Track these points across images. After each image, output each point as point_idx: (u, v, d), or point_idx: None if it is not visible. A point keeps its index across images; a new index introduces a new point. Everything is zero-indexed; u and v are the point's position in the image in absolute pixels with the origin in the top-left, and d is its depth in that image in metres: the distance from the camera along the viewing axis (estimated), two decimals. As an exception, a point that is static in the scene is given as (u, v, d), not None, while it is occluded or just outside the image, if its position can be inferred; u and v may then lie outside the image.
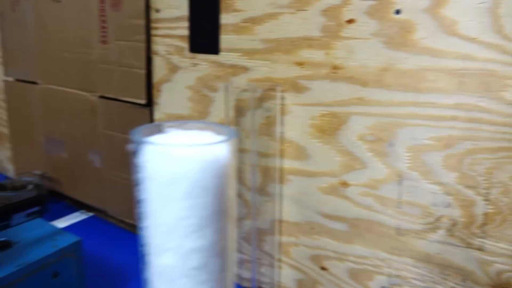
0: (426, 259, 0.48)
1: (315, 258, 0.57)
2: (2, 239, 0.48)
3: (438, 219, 0.46)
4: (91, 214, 0.90)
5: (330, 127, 0.51)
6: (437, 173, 0.45)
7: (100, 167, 0.82)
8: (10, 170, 1.10)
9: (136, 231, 0.83)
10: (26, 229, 0.51)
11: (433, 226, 0.46)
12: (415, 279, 0.49)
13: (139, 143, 0.19)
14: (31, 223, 0.53)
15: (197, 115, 0.65)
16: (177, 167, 0.18)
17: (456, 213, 0.45)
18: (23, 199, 0.42)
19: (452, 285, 0.47)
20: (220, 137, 0.20)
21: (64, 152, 0.89)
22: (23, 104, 0.95)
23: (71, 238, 0.50)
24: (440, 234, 0.46)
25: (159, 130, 0.22)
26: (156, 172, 0.19)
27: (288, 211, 0.58)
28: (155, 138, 0.21)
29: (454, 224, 0.45)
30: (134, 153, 0.19)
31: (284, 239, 0.59)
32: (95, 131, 0.80)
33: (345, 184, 0.52)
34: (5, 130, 1.07)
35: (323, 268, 0.57)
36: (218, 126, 0.22)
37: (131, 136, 0.19)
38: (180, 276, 0.20)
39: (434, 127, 0.44)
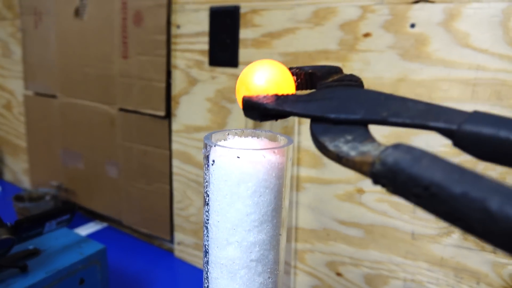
0: (441, 263, 0.49)
1: (331, 264, 0.59)
2: (31, 247, 0.50)
3: (452, 223, 0.48)
4: (105, 224, 0.92)
5: (346, 136, 0.53)
6: (451, 179, 0.47)
7: (117, 178, 0.84)
8: (25, 182, 1.12)
9: (151, 241, 0.84)
10: (53, 238, 0.53)
11: (448, 230, 0.48)
12: (430, 282, 0.50)
13: (212, 146, 0.22)
14: (57, 232, 0.55)
15: (215, 126, 0.67)
16: (247, 169, 0.21)
17: (470, 217, 0.46)
18: (56, 207, 0.44)
19: (467, 288, 0.48)
20: (281, 143, 0.23)
21: (81, 163, 0.91)
22: (42, 117, 0.98)
23: (97, 246, 0.51)
24: (454, 238, 0.48)
25: (224, 137, 0.25)
26: (227, 173, 0.21)
27: (304, 218, 0.60)
28: (224, 143, 0.24)
29: (468, 228, 0.47)
30: (206, 157, 0.22)
31: (300, 246, 0.61)
32: (113, 143, 0.83)
33: (361, 191, 0.54)
34: (22, 143, 1.10)
35: (338, 274, 0.58)
36: (270, 134, 0.24)
37: (204, 141, 0.22)
38: (240, 267, 0.23)
39: (447, 134, 0.46)
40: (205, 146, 0.22)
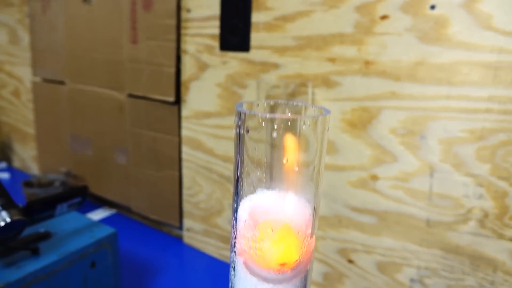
0: (456, 250, 0.49)
1: (343, 251, 0.58)
2: (42, 230, 0.49)
3: (469, 210, 0.47)
4: (114, 211, 0.92)
5: (361, 122, 0.52)
6: (469, 165, 0.46)
7: (126, 164, 0.84)
8: (33, 169, 1.12)
9: (160, 227, 0.84)
10: (64, 221, 0.53)
11: (464, 218, 0.47)
12: (444, 270, 0.50)
13: (246, 114, 0.21)
14: (68, 216, 0.54)
15: (225, 112, 0.66)
16: (278, 138, 0.20)
17: (488, 204, 0.45)
18: (67, 190, 0.43)
19: (482, 275, 0.47)
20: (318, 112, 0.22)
21: (90, 150, 0.91)
22: (50, 104, 0.98)
23: (108, 230, 0.51)
24: (471, 225, 0.47)
25: (255, 107, 0.24)
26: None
27: (316, 205, 0.59)
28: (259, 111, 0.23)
29: (485, 215, 0.46)
30: (238, 126, 0.21)
31: (311, 233, 0.60)
32: (122, 129, 0.82)
33: (375, 178, 0.53)
34: (31, 130, 1.10)
35: (350, 261, 0.58)
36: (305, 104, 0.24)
37: (237, 109, 0.21)
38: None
39: (467, 119, 0.45)
40: (239, 114, 0.21)
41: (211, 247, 0.75)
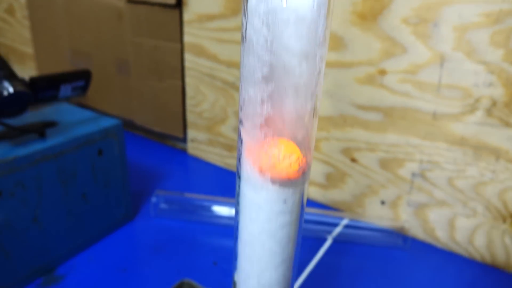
0: (461, 142, 0.49)
1: (346, 151, 0.59)
2: (47, 120, 0.49)
3: (477, 100, 0.46)
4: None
5: (371, 13, 0.50)
6: (482, 52, 0.45)
7: (127, 77, 0.82)
8: (34, 89, 1.11)
9: (164, 141, 0.85)
10: (69, 113, 0.53)
11: (472, 108, 0.47)
12: (447, 162, 0.50)
13: None
14: (73, 109, 0.54)
15: (229, 13, 0.64)
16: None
17: (498, 92, 0.45)
18: (70, 71, 0.43)
19: (484, 165, 0.48)
20: None
21: (90, 64, 0.89)
22: (47, 18, 0.94)
23: (113, 121, 0.51)
24: (478, 115, 0.47)
25: None
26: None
27: (321, 106, 0.59)
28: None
29: (494, 103, 0.46)
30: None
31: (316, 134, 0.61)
32: (122, 39, 0.80)
33: (383, 72, 0.52)
34: (29, 50, 1.07)
35: (353, 160, 0.58)
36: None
37: None
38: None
39: (484, 2, 0.43)
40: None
41: (215, 156, 0.76)
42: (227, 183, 0.71)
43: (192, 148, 0.79)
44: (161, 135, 0.85)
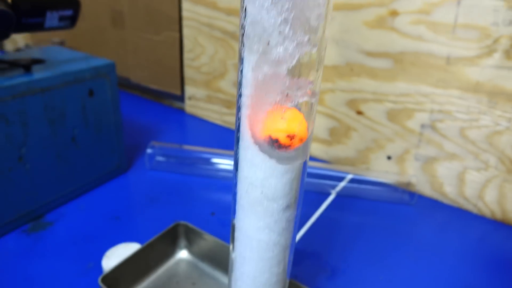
0: (475, 88, 0.46)
1: (351, 103, 0.56)
2: (35, 57, 0.46)
3: (496, 40, 0.43)
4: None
5: None
6: (503, -15, 0.41)
7: (122, 30, 0.78)
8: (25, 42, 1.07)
9: (161, 100, 0.82)
10: (57, 52, 0.50)
11: (489, 50, 0.44)
12: (459, 111, 0.48)
13: None
14: (63, 50, 0.51)
15: (230, -45, 0.60)
16: None
17: (519, 30, 0.42)
18: None
19: (500, 113, 0.45)
20: None
21: (82, 16, 0.85)
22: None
23: (104, 61, 0.48)
24: (496, 57, 0.44)
25: None
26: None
27: (327, 54, 0.55)
28: None
29: (513, 44, 0.42)
30: None
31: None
32: (117, -10, 0.76)
33: (394, 13, 0.48)
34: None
35: (359, 113, 0.56)
36: None
37: None
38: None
39: None
40: None
41: (214, 114, 0.73)
42: (226, 141, 0.68)
43: (190, 106, 0.76)
44: (158, 94, 0.81)
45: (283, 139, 0.19)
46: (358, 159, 0.58)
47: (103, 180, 0.52)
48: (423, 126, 0.51)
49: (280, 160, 0.20)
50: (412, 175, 0.53)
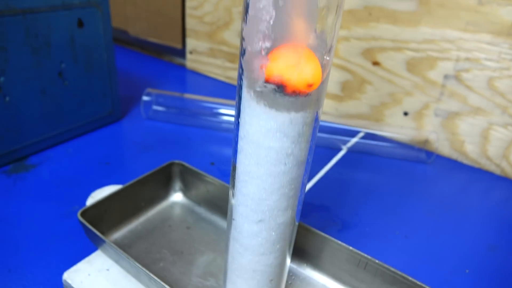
0: (509, 31, 0.41)
1: (367, 52, 0.51)
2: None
3: (538, -26, 0.38)
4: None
5: None
6: None
7: (121, -22, 0.73)
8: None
9: (161, 56, 0.77)
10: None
11: (530, -15, 0.39)
12: (488, 59, 0.43)
13: None
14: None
15: None
16: None
17: None
18: None
19: (537, 59, 0.40)
20: None
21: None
22: None
23: (96, -6, 0.43)
24: (537, -6, 0.39)
25: None
26: None
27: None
28: None
29: (559, -23, 0.37)
30: None
31: (333, 34, 0.53)
32: None
33: None
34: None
35: (375, 63, 0.51)
36: None
37: None
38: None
39: None
40: None
41: (216, 69, 0.68)
42: (228, 98, 0.64)
43: (191, 61, 0.71)
44: (158, 48, 0.76)
45: (294, 82, 0.15)
46: (372, 116, 0.53)
47: (94, 126, 0.48)
48: (446, 77, 0.46)
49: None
50: (431, 131, 0.49)
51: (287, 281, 0.27)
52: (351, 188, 0.42)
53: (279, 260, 0.22)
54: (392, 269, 0.24)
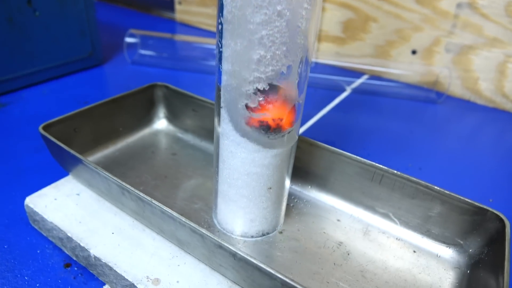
0: None
1: (372, -15, 0.46)
2: None
3: None
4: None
5: None
6: None
7: None
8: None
9: (149, 11, 0.72)
10: None
11: None
12: (509, -21, 0.38)
13: None
14: None
15: None
16: None
17: None
18: None
19: None
20: None
21: None
22: None
23: None
24: None
25: None
26: None
27: None
28: None
29: None
30: None
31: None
32: None
33: None
34: None
35: (381, -3, 0.46)
36: None
37: None
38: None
39: None
40: None
41: (208, 20, 0.64)
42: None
43: (181, 13, 0.66)
44: (144, 2, 0.71)
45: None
46: (377, 58, 0.49)
47: (74, 69, 0.44)
48: (459, 5, 0.42)
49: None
50: (442, 67, 0.45)
51: (288, 203, 0.23)
52: (357, 126, 0.38)
53: (278, 161, 0.18)
54: (414, 179, 0.21)
